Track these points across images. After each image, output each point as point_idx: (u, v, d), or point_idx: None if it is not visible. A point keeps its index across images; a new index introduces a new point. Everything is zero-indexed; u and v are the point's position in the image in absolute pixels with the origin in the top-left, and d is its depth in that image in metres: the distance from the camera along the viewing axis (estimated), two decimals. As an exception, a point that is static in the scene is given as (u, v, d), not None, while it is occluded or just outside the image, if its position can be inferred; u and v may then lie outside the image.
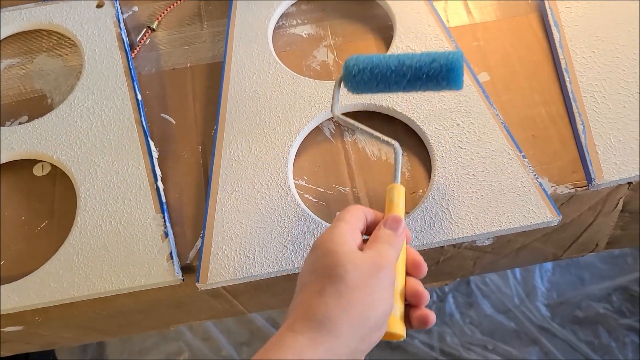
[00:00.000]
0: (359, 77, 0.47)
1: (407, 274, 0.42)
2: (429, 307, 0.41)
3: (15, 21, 0.65)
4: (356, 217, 0.41)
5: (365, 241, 0.41)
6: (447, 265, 0.61)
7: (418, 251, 0.44)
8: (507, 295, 1.28)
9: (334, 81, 0.57)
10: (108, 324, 0.60)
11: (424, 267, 0.42)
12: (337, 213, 0.52)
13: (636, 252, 1.29)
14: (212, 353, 1.26)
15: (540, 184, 0.50)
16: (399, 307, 0.39)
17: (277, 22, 0.65)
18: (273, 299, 0.62)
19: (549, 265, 1.31)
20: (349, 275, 0.36)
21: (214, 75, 0.62)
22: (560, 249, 0.63)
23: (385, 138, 0.47)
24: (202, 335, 1.30)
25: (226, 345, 1.28)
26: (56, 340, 0.63)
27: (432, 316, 0.41)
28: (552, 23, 0.58)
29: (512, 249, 0.60)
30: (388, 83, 0.47)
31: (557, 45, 0.57)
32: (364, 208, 0.43)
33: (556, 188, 0.51)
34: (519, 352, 1.21)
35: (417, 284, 0.41)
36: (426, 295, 0.41)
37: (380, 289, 0.37)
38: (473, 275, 0.69)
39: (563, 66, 0.55)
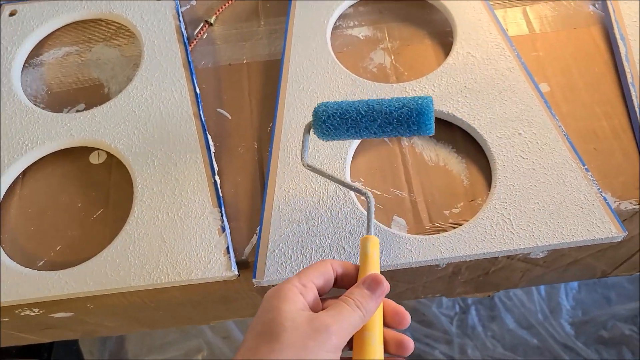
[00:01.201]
0: (328, 123, 0.45)
1: (388, 325, 0.39)
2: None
3: (76, 9, 0.65)
4: (318, 272, 0.39)
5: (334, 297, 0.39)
6: (495, 276, 0.60)
7: (474, 261, 0.43)
8: (531, 310, 1.27)
9: (393, 85, 0.57)
10: (152, 316, 0.60)
11: (407, 318, 0.39)
12: (394, 216, 0.52)
13: (665, 273, 1.27)
14: (231, 352, 1.26)
15: (605, 199, 0.49)
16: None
17: (334, 23, 0.65)
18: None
19: (574, 283, 1.30)
20: (286, 335, 0.34)
21: (269, 72, 0.62)
22: (611, 267, 0.62)
23: (358, 187, 0.45)
24: (222, 334, 1.30)
25: (245, 345, 1.28)
26: (98, 329, 0.63)
27: None
28: (617, 36, 0.57)
29: (563, 263, 0.59)
30: (359, 128, 0.45)
31: (623, 58, 0.56)
32: (333, 261, 0.40)
33: (620, 203, 0.51)
34: (540, 370, 1.20)
35: (398, 335, 0.39)
36: (410, 345, 0.39)
37: (318, 353, 0.34)
38: (517, 287, 0.68)
39: (629, 80, 0.55)
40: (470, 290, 0.66)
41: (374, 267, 0.40)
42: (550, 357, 1.21)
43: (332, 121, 0.45)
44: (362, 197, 0.48)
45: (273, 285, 0.39)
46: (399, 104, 0.45)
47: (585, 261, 0.59)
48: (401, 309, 0.40)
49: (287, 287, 0.37)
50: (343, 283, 0.40)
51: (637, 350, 1.20)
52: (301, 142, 0.48)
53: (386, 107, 0.45)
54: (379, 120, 0.45)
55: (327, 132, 0.46)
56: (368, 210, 0.43)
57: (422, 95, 0.46)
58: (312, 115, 0.46)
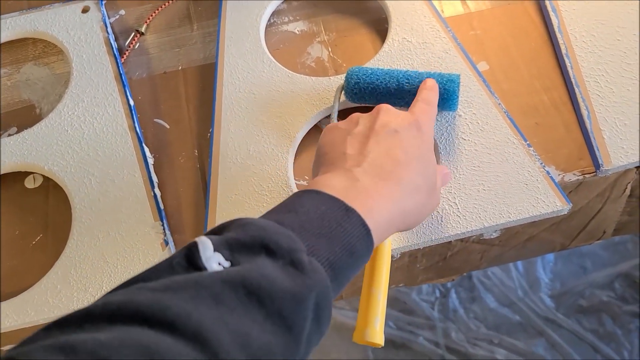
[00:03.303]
0: (357, 91, 0.51)
1: None
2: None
3: (1, 31, 0.63)
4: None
5: None
6: (454, 260, 0.60)
7: (426, 248, 0.43)
8: (510, 288, 1.27)
9: (331, 77, 0.56)
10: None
11: None
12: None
13: (636, 238, 1.29)
14: None
15: (548, 173, 0.49)
16: (380, 319, 0.39)
17: (269, 20, 0.63)
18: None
19: (550, 255, 1.31)
20: None
21: (206, 77, 0.61)
22: (568, 238, 0.62)
23: None
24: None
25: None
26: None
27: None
28: (549, 8, 0.57)
29: (519, 241, 0.59)
30: (386, 99, 0.50)
31: (556, 30, 0.55)
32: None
33: (564, 176, 0.50)
34: (525, 345, 1.20)
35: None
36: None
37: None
38: (479, 269, 0.68)
39: (563, 51, 0.54)
40: (432, 276, 0.65)
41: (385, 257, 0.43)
42: (533, 332, 1.22)
43: (362, 92, 0.51)
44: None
45: None
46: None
47: (541, 236, 0.59)
48: None
49: None
50: None
51: (616, 316, 1.21)
52: (332, 105, 0.53)
53: (415, 83, 0.50)
54: (406, 95, 0.50)
55: (355, 98, 0.52)
56: None
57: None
58: (344, 80, 0.52)
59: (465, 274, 0.71)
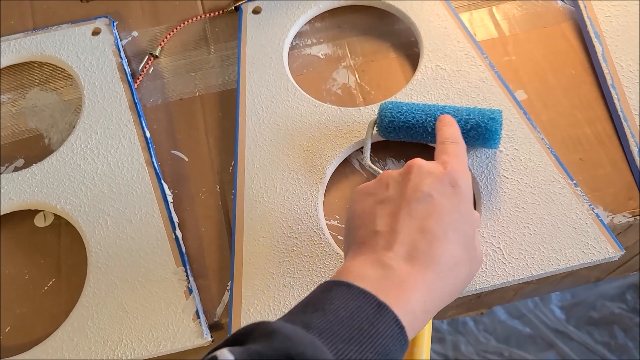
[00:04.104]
0: (392, 128, 0.49)
1: None
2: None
3: (3, 54, 0.59)
4: None
5: None
6: (487, 297, 0.57)
7: (467, 296, 0.41)
8: (521, 299, 1.25)
9: (360, 108, 0.53)
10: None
11: None
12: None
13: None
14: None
15: (597, 215, 0.46)
16: None
17: (291, 43, 0.60)
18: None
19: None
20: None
21: (226, 103, 0.57)
22: (605, 273, 0.60)
23: None
24: None
25: None
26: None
27: None
28: (592, 35, 0.53)
29: (557, 278, 0.56)
30: (422, 135, 0.48)
31: (600, 58, 0.52)
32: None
33: (613, 217, 0.47)
34: (535, 357, 1.18)
35: None
36: None
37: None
38: (511, 302, 0.65)
39: (609, 82, 0.51)
40: (462, 311, 0.63)
41: None
42: (543, 344, 1.19)
43: (396, 126, 0.48)
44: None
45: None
46: (468, 116, 0.47)
47: (579, 273, 0.56)
48: None
49: None
50: None
51: (627, 328, 1.20)
52: (364, 141, 0.50)
53: (456, 118, 0.47)
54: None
55: (389, 135, 0.49)
56: None
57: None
58: (377, 113, 0.49)
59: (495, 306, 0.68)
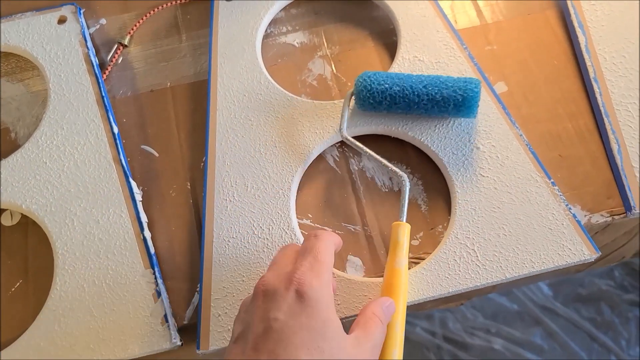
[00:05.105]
0: (369, 97, 0.48)
1: None
2: None
3: (-35, 44, 0.57)
4: (332, 256, 0.38)
5: None
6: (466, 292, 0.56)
7: (442, 299, 0.41)
8: (509, 277, 1.25)
9: (335, 101, 0.51)
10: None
11: None
12: (348, 256, 0.47)
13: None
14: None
15: (574, 216, 0.45)
16: (398, 351, 0.39)
17: (265, 30, 0.58)
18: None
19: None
20: None
21: (197, 95, 0.55)
22: (585, 266, 0.59)
23: (394, 169, 0.46)
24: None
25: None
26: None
27: None
28: (575, 24, 0.51)
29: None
30: (400, 105, 0.48)
31: (583, 49, 0.50)
32: (333, 236, 0.40)
33: (590, 217, 0.46)
34: (522, 334, 1.19)
35: None
36: None
37: None
38: (490, 294, 0.65)
39: (591, 75, 0.49)
40: (440, 303, 0.62)
41: (404, 255, 0.42)
42: (530, 321, 1.20)
43: (374, 95, 0.48)
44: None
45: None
46: (444, 84, 0.47)
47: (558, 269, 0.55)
48: None
49: (328, 292, 0.36)
50: None
51: (614, 304, 1.20)
52: (341, 113, 0.49)
53: (431, 88, 0.47)
54: (422, 104, 0.47)
55: (367, 105, 0.48)
56: (402, 194, 0.45)
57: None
58: (355, 83, 0.48)
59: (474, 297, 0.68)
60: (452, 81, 0.47)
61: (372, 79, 0.47)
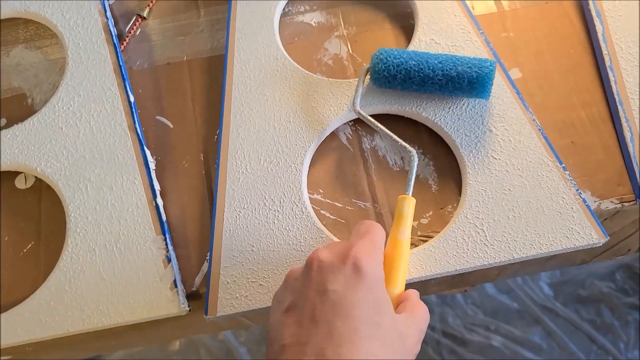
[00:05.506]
0: (386, 74, 0.48)
1: None
2: None
3: (-14, 10, 0.57)
4: (382, 244, 0.39)
5: None
6: (471, 275, 0.57)
7: (446, 283, 0.41)
8: (510, 275, 1.26)
9: (351, 80, 0.52)
10: (103, 345, 0.56)
11: None
12: (364, 222, 0.47)
13: (641, 230, 1.27)
14: (209, 337, 1.23)
15: (584, 200, 0.45)
16: None
17: (283, 9, 0.58)
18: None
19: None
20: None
21: (214, 70, 0.56)
22: (591, 256, 0.59)
23: (404, 144, 0.46)
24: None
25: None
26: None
27: None
28: (593, 13, 0.52)
29: (541, 259, 0.56)
30: (416, 83, 0.48)
31: (600, 38, 0.51)
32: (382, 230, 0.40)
33: (600, 203, 0.47)
34: (521, 332, 1.20)
35: None
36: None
37: None
38: (495, 281, 0.65)
39: (607, 63, 0.50)
40: (444, 288, 0.63)
41: (407, 227, 0.42)
42: (530, 320, 1.21)
43: (389, 68, 0.48)
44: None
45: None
46: (458, 62, 0.47)
47: (564, 255, 0.56)
48: None
49: (381, 277, 0.37)
50: None
51: (614, 307, 1.21)
52: (356, 88, 0.50)
53: (446, 64, 0.47)
54: (437, 79, 0.47)
55: (382, 79, 0.49)
56: (410, 168, 0.45)
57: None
58: (372, 58, 0.49)
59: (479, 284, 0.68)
60: (467, 59, 0.47)
61: (389, 52, 0.48)
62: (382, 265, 0.38)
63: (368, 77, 0.50)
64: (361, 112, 0.48)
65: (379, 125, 0.47)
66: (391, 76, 0.48)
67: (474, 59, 0.47)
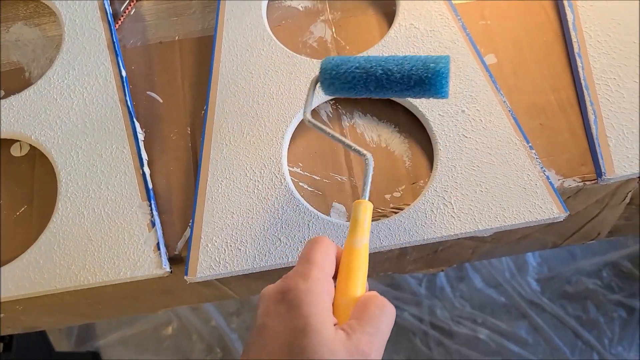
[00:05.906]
0: (334, 81, 0.44)
1: None
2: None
3: (-12, -14, 0.60)
4: (330, 260, 0.36)
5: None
6: (445, 253, 0.59)
7: (417, 246, 0.41)
8: (498, 269, 1.28)
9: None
10: (92, 310, 0.58)
11: None
12: (333, 203, 0.50)
13: (629, 229, 1.29)
14: (201, 323, 1.26)
15: (547, 177, 0.48)
16: None
17: (272, -6, 0.61)
18: (265, 285, 0.60)
19: (541, 241, 1.30)
20: None
21: (204, 50, 0.58)
22: (561, 238, 0.62)
23: (358, 148, 0.42)
24: (191, 305, 1.29)
25: (215, 315, 1.28)
26: (38, 324, 0.61)
27: None
28: (565, 3, 0.54)
29: (512, 239, 0.58)
30: (366, 88, 0.44)
31: (571, 27, 0.53)
32: (332, 243, 0.37)
33: (563, 181, 0.49)
34: (508, 326, 1.22)
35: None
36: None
37: None
38: (470, 262, 0.67)
39: (576, 50, 0.52)
40: (421, 266, 0.65)
41: (364, 234, 0.38)
42: (516, 314, 1.23)
43: (338, 78, 0.44)
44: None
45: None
46: (411, 65, 0.42)
47: (534, 236, 0.58)
48: None
49: (316, 292, 0.34)
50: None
51: (600, 304, 1.23)
52: (305, 97, 0.46)
53: (398, 68, 0.43)
54: (388, 82, 0.43)
55: (333, 89, 0.45)
56: (365, 173, 0.41)
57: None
58: (320, 67, 0.44)
59: (455, 265, 0.70)
60: (419, 59, 0.43)
61: (336, 63, 0.44)
62: (318, 283, 0.35)
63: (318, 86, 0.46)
64: (312, 120, 0.44)
65: (332, 131, 0.44)
66: (341, 86, 0.44)
67: (425, 61, 0.42)
